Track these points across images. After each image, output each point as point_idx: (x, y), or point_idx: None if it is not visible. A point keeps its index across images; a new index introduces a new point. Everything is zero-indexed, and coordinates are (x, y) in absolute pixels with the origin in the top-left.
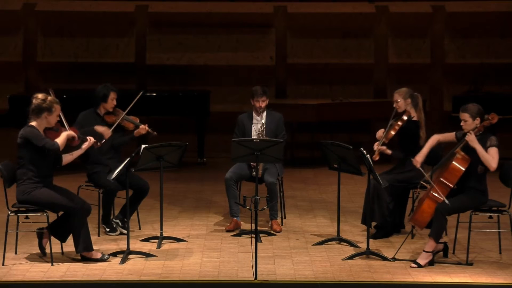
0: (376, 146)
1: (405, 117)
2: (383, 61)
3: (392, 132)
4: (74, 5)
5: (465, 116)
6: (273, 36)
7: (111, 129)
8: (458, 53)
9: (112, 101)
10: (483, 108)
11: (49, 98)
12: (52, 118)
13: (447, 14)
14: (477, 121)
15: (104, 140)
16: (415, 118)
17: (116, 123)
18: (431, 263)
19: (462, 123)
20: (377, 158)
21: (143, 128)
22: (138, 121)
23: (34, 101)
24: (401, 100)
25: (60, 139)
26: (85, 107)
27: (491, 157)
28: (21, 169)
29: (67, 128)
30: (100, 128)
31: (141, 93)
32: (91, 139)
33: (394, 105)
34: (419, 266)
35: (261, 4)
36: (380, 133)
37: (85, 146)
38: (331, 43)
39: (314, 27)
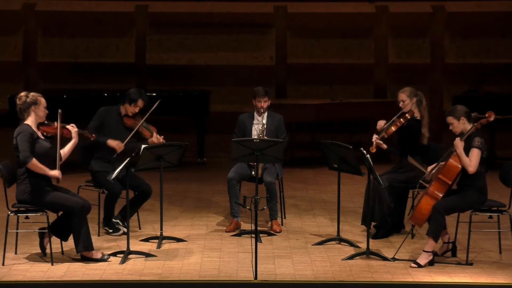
0: (374, 138)
1: (408, 116)
2: (383, 61)
3: (393, 128)
4: (74, 5)
5: (449, 119)
6: (273, 36)
7: (131, 134)
8: (458, 53)
9: (135, 107)
10: (483, 108)
11: (32, 93)
12: (40, 111)
13: (447, 14)
14: (463, 120)
15: (116, 154)
16: (418, 117)
17: (135, 129)
18: (431, 263)
19: (450, 127)
20: (374, 151)
21: (158, 138)
22: (156, 131)
23: (18, 101)
24: (406, 100)
25: (37, 165)
26: (85, 107)
27: (468, 161)
28: (20, 168)
29: (58, 122)
30: (112, 143)
31: (158, 101)
32: (73, 127)
33: (400, 105)
34: (419, 266)
35: (261, 4)
36: (381, 123)
37: (74, 134)
38: (331, 43)
39: (314, 27)
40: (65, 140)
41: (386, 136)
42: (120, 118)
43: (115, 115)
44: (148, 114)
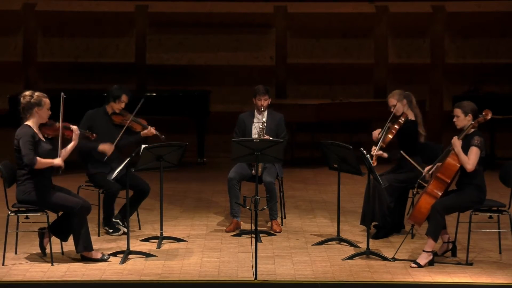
0: (373, 151)
1: (402, 119)
2: (383, 61)
3: (390, 136)
4: (74, 5)
5: (457, 111)
6: (273, 36)
7: (122, 132)
8: (458, 53)
9: (120, 103)
10: (483, 108)
11: (36, 93)
12: (43, 112)
13: (447, 14)
14: (469, 117)
15: (107, 156)
16: (412, 118)
17: (126, 125)
18: (431, 263)
19: (454, 119)
20: (375, 164)
21: (151, 130)
22: (146, 123)
23: (22, 99)
24: (397, 103)
25: (42, 162)
26: (85, 106)
27: (466, 159)
28: (20, 169)
29: (60, 122)
30: (101, 147)
31: (142, 100)
32: (76, 129)
33: (392, 110)
34: (419, 266)
35: (261, 4)
36: (376, 133)
37: (74, 136)
38: (331, 43)
39: (314, 27)
40: (66, 141)
41: (384, 145)
42: (108, 117)
43: (102, 115)
44: (136, 110)
